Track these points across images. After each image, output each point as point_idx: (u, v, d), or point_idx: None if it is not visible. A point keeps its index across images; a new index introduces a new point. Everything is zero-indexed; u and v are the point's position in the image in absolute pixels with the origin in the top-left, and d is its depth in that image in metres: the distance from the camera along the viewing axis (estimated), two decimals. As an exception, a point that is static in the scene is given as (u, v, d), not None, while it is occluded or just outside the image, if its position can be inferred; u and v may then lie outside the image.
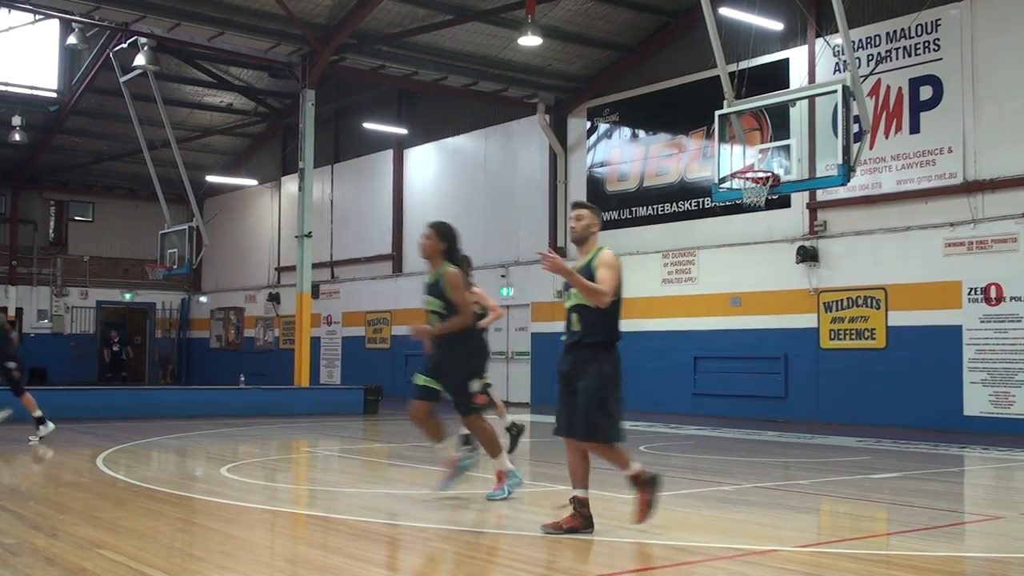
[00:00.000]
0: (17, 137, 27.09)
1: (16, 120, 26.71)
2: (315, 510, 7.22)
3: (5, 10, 20.06)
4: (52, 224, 32.26)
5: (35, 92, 26.99)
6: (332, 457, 11.24)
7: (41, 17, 23.13)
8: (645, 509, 6.38)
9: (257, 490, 8.57)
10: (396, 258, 26.55)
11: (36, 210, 32.07)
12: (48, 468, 10.42)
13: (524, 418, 18.77)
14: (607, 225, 21.40)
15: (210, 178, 29.58)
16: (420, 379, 7.53)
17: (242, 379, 24.85)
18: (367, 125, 25.97)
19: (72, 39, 21.27)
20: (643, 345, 20.17)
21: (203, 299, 34.11)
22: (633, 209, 20.93)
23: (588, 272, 6.34)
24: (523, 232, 23.04)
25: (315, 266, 22.84)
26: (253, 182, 31.53)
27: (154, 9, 18.54)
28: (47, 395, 19.10)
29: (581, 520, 6.31)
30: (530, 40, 17.71)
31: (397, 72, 21.68)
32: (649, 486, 6.41)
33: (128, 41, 22.12)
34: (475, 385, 7.48)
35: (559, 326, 23.63)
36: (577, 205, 6.71)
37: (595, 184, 21.81)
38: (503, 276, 23.32)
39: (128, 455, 11.01)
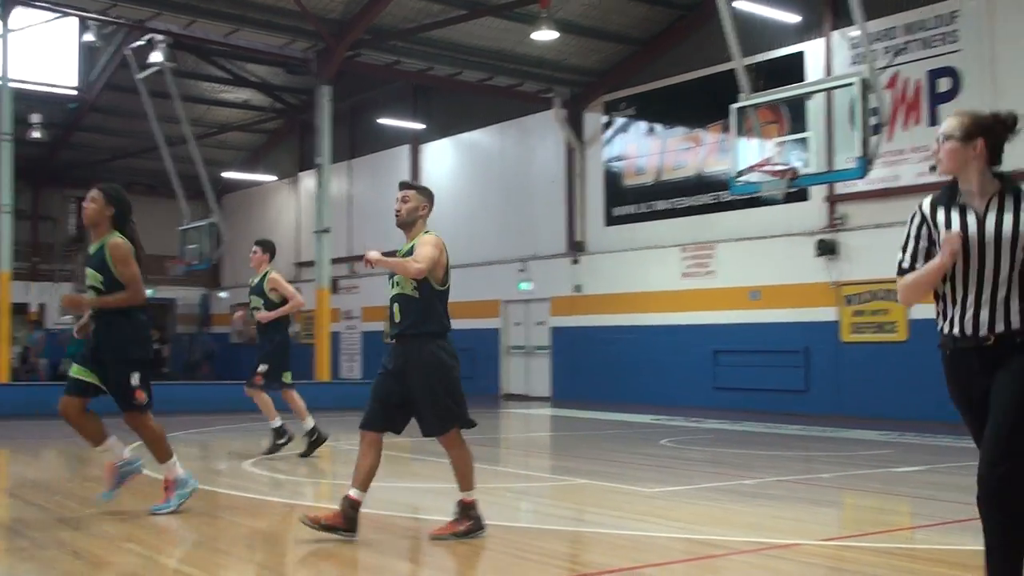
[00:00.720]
0: (37, 135, 27.24)
1: (35, 118, 26.86)
2: (338, 504, 7.23)
3: (23, 8, 20.16)
4: (73, 221, 32.45)
5: (54, 90, 27.14)
6: (354, 452, 11.24)
7: (59, 15, 23.24)
8: (450, 533, 5.92)
9: (280, 484, 8.61)
10: (414, 253, 26.56)
11: (57, 207, 32.29)
12: (72, 462, 10.50)
13: (544, 412, 18.83)
14: (625, 219, 21.40)
15: (228, 174, 29.68)
16: (74, 369, 6.58)
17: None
18: (383, 121, 26.01)
19: (89, 36, 21.38)
20: (662, 339, 20.16)
21: (223, 294, 34.26)
22: (651, 203, 20.89)
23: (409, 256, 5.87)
24: (541, 226, 23.04)
25: (334, 261, 22.91)
26: (271, 178, 31.63)
27: (170, 6, 18.62)
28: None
29: (344, 520, 5.84)
30: (544, 34, 17.70)
31: (412, 67, 21.70)
32: (473, 522, 5.96)
33: (145, 38, 22.21)
34: (135, 378, 6.49)
35: (579, 320, 23.51)
36: (403, 186, 6.22)
37: (612, 178, 21.78)
38: (521, 271, 23.33)
39: (150, 450, 11.07)
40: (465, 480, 5.96)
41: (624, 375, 20.71)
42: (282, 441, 10.27)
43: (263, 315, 10.23)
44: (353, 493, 5.90)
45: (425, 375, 5.85)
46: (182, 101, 23.44)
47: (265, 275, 10.35)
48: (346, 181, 28.49)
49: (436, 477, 8.96)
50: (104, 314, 6.55)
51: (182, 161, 24.44)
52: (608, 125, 22.05)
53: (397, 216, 6.09)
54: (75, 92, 27.41)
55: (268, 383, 10.29)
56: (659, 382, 20.09)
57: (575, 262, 22.24)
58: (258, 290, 10.38)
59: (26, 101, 26.66)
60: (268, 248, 10.60)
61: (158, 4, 18.57)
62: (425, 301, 5.87)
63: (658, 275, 20.44)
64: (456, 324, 6.21)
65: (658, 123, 21.02)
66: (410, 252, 5.92)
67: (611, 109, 21.98)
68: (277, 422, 10.26)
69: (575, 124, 22.52)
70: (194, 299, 34.68)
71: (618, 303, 21.11)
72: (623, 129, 21.79)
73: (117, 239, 6.55)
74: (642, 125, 21.39)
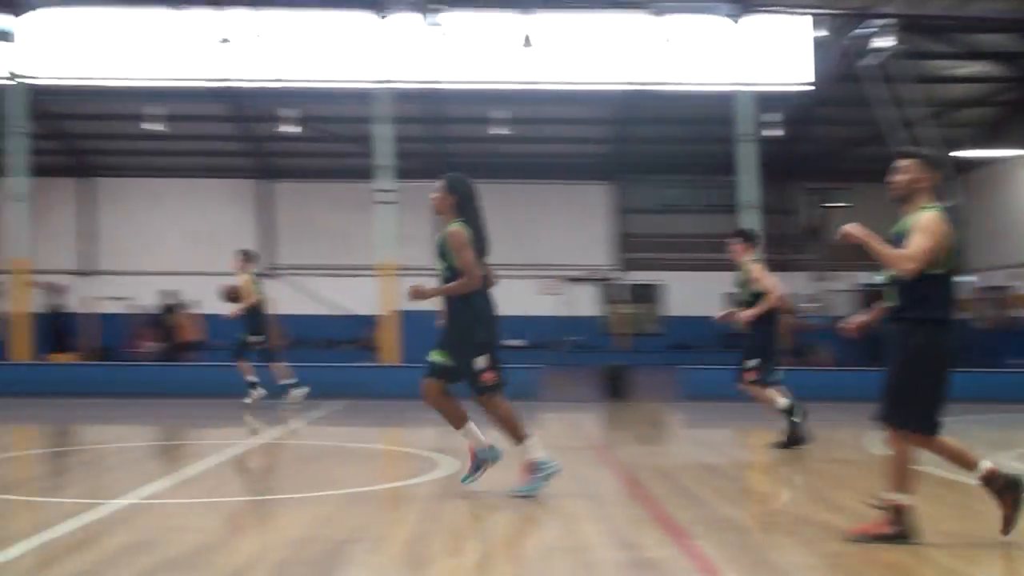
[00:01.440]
0: (774, 132, 28.85)
1: (773, 116, 28.48)
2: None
3: (755, 16, 21.56)
4: (806, 212, 33.90)
5: (788, 87, 28.58)
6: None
7: (788, 14, 24.42)
8: (1007, 520, 5.33)
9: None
10: None
11: (795, 199, 33.98)
12: (817, 444, 10.89)
13: None
14: None
15: (962, 153, 28.40)
16: (433, 354, 6.91)
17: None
18: None
19: (819, 31, 22.09)
20: None
21: (968, 278, 32.80)
22: None
23: (902, 238, 5.39)
24: None
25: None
26: (1012, 152, 29.55)
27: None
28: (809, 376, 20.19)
29: (894, 528, 5.38)
30: None
31: None
32: (1007, 492, 5.24)
33: (871, 24, 22.29)
34: (480, 361, 6.69)
35: None
36: (900, 154, 5.51)
37: None
38: None
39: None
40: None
41: None
42: (797, 420, 9.69)
43: (744, 315, 9.72)
44: (893, 497, 5.51)
45: (899, 361, 5.45)
46: (910, 82, 23.08)
47: (745, 266, 9.88)
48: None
49: None
50: (448, 300, 6.87)
51: (914, 143, 24.05)
52: None
53: (892, 188, 5.63)
54: (809, 87, 28.56)
55: (762, 377, 9.80)
56: None
57: None
58: (740, 282, 9.97)
59: (765, 101, 28.46)
60: (748, 238, 10.07)
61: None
62: (917, 285, 5.39)
63: None
64: None
65: None
66: (902, 233, 5.46)
67: None
68: (782, 402, 9.75)
69: None
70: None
71: None
72: None
73: (455, 227, 6.80)
74: None
